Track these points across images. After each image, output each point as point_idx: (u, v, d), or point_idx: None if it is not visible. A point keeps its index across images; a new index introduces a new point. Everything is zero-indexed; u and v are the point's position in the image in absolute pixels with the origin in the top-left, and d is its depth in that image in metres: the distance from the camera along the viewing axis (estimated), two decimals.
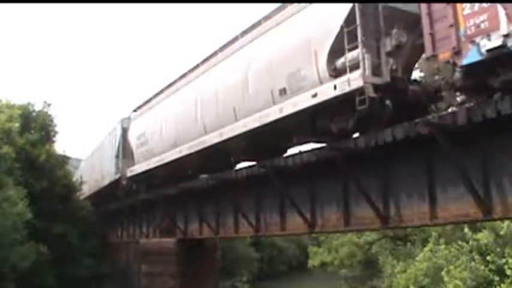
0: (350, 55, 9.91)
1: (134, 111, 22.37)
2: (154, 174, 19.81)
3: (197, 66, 16.94)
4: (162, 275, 19.98)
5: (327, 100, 10.36)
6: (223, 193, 15.86)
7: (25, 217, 21.21)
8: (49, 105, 30.47)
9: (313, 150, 11.95)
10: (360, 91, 9.53)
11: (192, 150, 15.95)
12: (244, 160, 15.45)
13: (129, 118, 23.33)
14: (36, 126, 28.92)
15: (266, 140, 13.25)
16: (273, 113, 12.02)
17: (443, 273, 18.86)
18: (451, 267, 18.69)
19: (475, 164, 8.84)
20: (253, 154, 14.19)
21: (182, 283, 19.39)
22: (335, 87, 10.07)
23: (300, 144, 12.79)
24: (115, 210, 27.35)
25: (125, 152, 23.13)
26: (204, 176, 16.55)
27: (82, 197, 31.99)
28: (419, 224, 10.96)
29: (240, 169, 14.72)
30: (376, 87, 9.55)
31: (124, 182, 23.23)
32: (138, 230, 24.69)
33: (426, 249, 22.16)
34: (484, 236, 17.72)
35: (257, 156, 13.90)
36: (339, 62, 10.26)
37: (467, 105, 8.75)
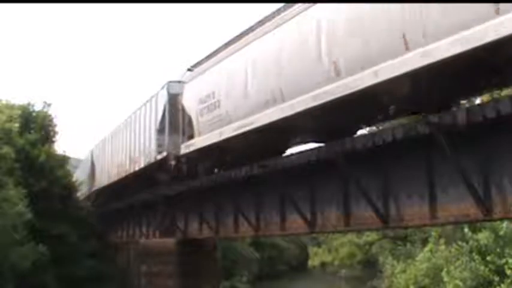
0: None
1: (190, 70, 16.84)
2: (228, 148, 14.76)
3: None
4: (162, 275, 19.99)
5: None
6: (223, 193, 15.86)
7: (25, 217, 21.22)
8: (49, 105, 30.57)
9: (313, 150, 11.95)
10: None
11: (315, 103, 10.27)
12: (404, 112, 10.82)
13: (178, 82, 17.86)
14: (36, 127, 28.94)
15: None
16: None
17: (443, 273, 18.87)
18: (451, 267, 18.70)
19: (475, 164, 8.83)
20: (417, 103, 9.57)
21: (182, 283, 19.39)
22: None
23: None
24: (115, 210, 27.35)
25: (173, 124, 17.76)
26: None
27: (94, 189, 29.87)
28: (419, 224, 10.94)
29: (240, 169, 14.70)
30: None
31: (172, 163, 17.83)
32: (138, 230, 24.70)
33: (426, 249, 22.19)
34: (484, 236, 17.73)
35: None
36: None
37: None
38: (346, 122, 11.12)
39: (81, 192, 32.63)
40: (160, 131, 18.72)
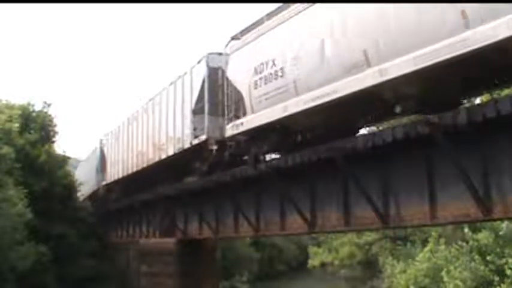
0: None
1: (234, 38, 14.29)
2: (290, 128, 12.44)
3: None
4: (162, 275, 19.99)
5: None
6: (223, 193, 15.86)
7: (25, 217, 21.22)
8: (49, 105, 30.57)
9: (313, 149, 11.95)
10: None
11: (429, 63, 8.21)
12: None
13: (220, 54, 15.38)
14: (36, 127, 28.94)
15: None
16: None
17: (443, 273, 18.86)
18: (451, 267, 18.68)
19: (475, 164, 8.85)
20: None
21: (182, 283, 19.39)
22: None
23: None
24: (115, 210, 27.35)
25: (214, 103, 15.20)
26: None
27: (105, 183, 27.23)
28: (419, 223, 10.97)
29: (240, 169, 14.69)
30: None
31: (214, 148, 15.15)
32: (138, 230, 24.70)
33: (426, 249, 22.15)
34: (484, 236, 17.72)
35: None
36: None
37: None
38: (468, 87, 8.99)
39: (83, 191, 31.92)
40: (197, 111, 15.87)
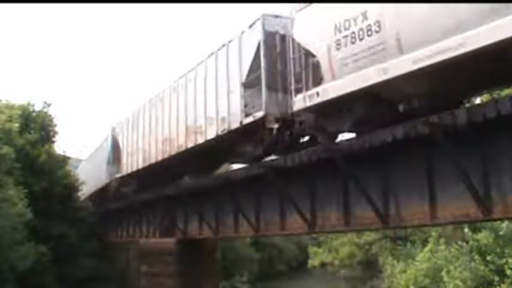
0: None
1: None
2: (392, 92, 9.81)
3: None
4: (162, 275, 19.99)
5: None
6: (223, 193, 15.86)
7: (25, 217, 21.22)
8: (49, 105, 30.58)
9: (313, 149, 11.96)
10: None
11: None
12: None
13: (277, 16, 13.19)
14: (36, 127, 28.95)
15: None
16: None
17: (443, 273, 18.87)
18: (451, 267, 18.70)
19: (475, 164, 8.85)
20: None
21: (182, 283, 19.39)
22: None
23: None
24: (115, 210, 27.36)
25: (273, 73, 12.82)
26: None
27: (120, 176, 24.30)
28: (419, 223, 10.96)
29: (240, 169, 14.71)
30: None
31: (274, 126, 12.66)
32: (138, 230, 24.69)
33: (426, 249, 22.18)
34: (484, 236, 17.73)
35: None
36: None
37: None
38: None
39: (90, 187, 30.59)
40: (249, 84, 13.27)
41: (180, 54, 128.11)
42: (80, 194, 31.23)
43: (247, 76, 13.39)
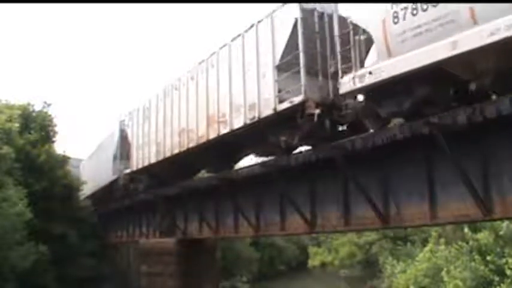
0: None
1: None
2: (461, 69, 8.74)
3: None
4: (162, 275, 19.98)
5: None
6: (223, 193, 15.86)
7: (25, 217, 21.23)
8: (49, 105, 30.59)
9: (313, 149, 11.96)
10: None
11: None
12: None
13: None
14: (36, 126, 28.98)
15: None
16: None
17: (443, 273, 18.89)
18: (451, 267, 18.72)
19: (475, 164, 8.86)
20: None
21: (182, 283, 19.40)
22: None
23: None
24: (115, 210, 27.36)
25: (310, 56, 11.69)
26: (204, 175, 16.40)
27: (129, 172, 22.40)
28: (419, 223, 10.97)
29: (240, 169, 14.70)
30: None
31: (315, 112, 11.19)
32: (138, 230, 24.70)
33: (426, 249, 22.22)
34: (484, 236, 17.75)
35: None
36: None
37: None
38: None
39: (93, 185, 29.39)
40: (284, 67, 12.03)
41: (180, 54, 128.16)
42: (82, 192, 31.01)
43: (282, 58, 12.13)
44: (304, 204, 12.75)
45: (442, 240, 21.54)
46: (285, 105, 11.77)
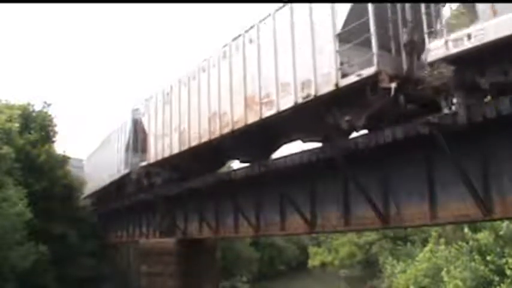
0: None
1: None
2: None
3: None
4: (162, 275, 19.98)
5: None
6: (223, 193, 15.86)
7: (25, 217, 21.25)
8: (49, 105, 30.70)
9: (313, 150, 11.96)
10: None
11: None
12: None
13: None
14: (36, 127, 29.03)
15: None
16: None
17: (443, 273, 18.88)
18: (451, 267, 18.71)
19: (475, 164, 8.86)
20: None
21: (182, 283, 19.40)
22: None
23: None
24: (115, 210, 27.36)
25: (381, 21, 10.24)
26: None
27: (146, 164, 19.88)
28: (419, 223, 10.98)
29: (240, 169, 14.69)
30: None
31: (392, 85, 9.51)
32: (138, 230, 24.70)
33: (426, 249, 22.21)
34: (484, 236, 17.74)
35: None
36: None
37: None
38: None
39: (100, 181, 27.23)
40: (348, 36, 10.36)
41: (180, 54, 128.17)
42: (87, 188, 30.79)
43: (344, 26, 10.46)
44: (304, 204, 12.75)
45: (442, 240, 21.53)
46: (351, 79, 10.07)
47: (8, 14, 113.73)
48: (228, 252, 34.78)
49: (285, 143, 14.13)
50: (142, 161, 20.60)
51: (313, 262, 40.72)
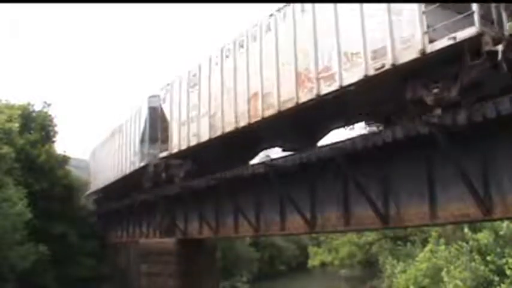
0: None
1: None
2: None
3: None
4: (162, 275, 19.98)
5: None
6: (223, 193, 15.85)
7: (25, 217, 21.26)
8: (49, 105, 30.70)
9: (313, 150, 11.95)
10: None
11: None
12: None
13: None
14: (36, 126, 29.03)
15: None
16: None
17: (443, 273, 18.87)
18: (451, 267, 18.70)
19: (475, 164, 8.86)
20: None
21: (182, 283, 19.40)
22: None
23: None
24: (115, 210, 27.34)
25: None
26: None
27: (166, 155, 18.13)
28: (419, 224, 10.99)
29: (240, 169, 14.67)
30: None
31: (499, 48, 7.97)
32: (138, 230, 24.71)
33: (426, 249, 22.19)
34: (484, 236, 17.74)
35: None
36: None
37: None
38: None
39: (108, 176, 25.74)
40: None
41: (179, 54, 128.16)
42: (93, 184, 30.44)
43: None
44: (304, 204, 12.75)
45: (442, 240, 21.52)
46: (443, 43, 8.46)
47: (8, 14, 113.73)
48: (228, 252, 34.77)
49: (337, 127, 12.64)
50: (161, 151, 18.70)
51: (313, 262, 40.68)
